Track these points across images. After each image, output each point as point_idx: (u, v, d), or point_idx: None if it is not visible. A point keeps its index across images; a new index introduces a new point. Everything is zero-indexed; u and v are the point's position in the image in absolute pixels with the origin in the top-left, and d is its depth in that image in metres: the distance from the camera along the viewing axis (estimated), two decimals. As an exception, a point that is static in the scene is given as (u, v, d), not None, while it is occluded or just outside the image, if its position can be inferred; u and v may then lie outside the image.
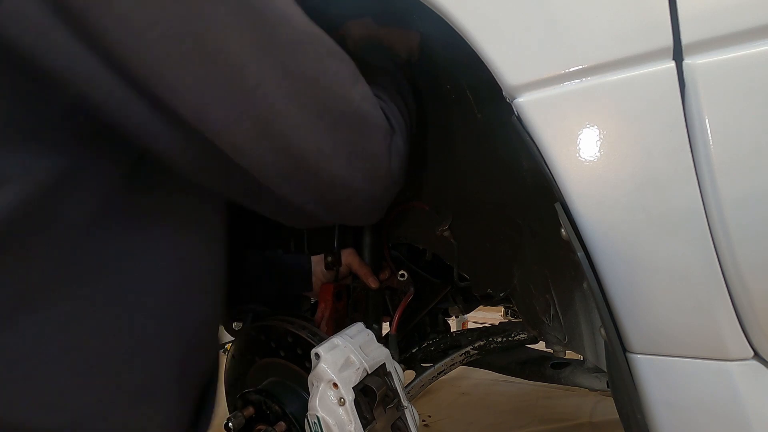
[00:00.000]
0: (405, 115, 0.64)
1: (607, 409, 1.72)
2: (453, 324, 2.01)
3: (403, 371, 0.79)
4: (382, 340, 0.90)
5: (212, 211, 0.58)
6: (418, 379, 0.96)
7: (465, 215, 0.86)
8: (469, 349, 1.01)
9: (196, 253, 0.54)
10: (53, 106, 0.39)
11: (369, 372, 0.62)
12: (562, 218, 0.49)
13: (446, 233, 0.87)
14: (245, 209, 0.56)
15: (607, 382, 0.91)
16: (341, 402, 0.59)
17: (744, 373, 0.46)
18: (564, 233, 0.49)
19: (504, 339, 1.02)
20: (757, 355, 0.46)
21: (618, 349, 0.50)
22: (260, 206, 0.54)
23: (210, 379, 0.62)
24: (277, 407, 0.71)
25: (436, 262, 0.98)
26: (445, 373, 1.00)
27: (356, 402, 0.59)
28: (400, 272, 0.95)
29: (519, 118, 0.49)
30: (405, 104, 0.66)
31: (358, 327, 0.68)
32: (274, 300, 1.00)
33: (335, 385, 0.59)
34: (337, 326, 0.88)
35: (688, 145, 0.43)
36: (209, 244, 0.57)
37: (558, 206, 0.50)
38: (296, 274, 0.96)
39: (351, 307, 0.95)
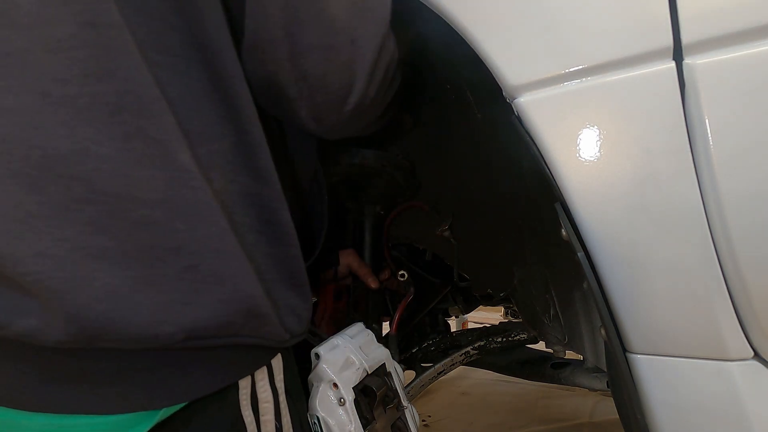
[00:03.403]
0: None
1: (607, 409, 1.72)
2: (453, 324, 2.01)
3: (403, 371, 0.79)
4: (382, 340, 0.90)
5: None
6: (418, 379, 0.96)
7: (465, 215, 0.86)
8: (469, 349, 1.00)
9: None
10: None
11: (369, 372, 0.62)
12: (562, 218, 0.49)
13: (446, 233, 0.87)
14: None
15: (607, 382, 0.91)
16: (341, 402, 0.59)
17: (744, 373, 0.46)
18: (564, 233, 0.49)
19: (504, 339, 1.02)
20: (757, 355, 0.46)
21: (618, 349, 0.50)
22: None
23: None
24: None
25: (436, 262, 0.98)
26: (445, 373, 1.00)
27: (356, 402, 0.59)
28: (400, 272, 0.95)
29: (519, 118, 0.49)
30: None
31: (358, 327, 0.68)
32: None
33: (335, 385, 0.59)
34: (337, 326, 0.88)
35: (688, 145, 0.43)
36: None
37: (558, 206, 0.50)
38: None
39: (351, 307, 0.95)
